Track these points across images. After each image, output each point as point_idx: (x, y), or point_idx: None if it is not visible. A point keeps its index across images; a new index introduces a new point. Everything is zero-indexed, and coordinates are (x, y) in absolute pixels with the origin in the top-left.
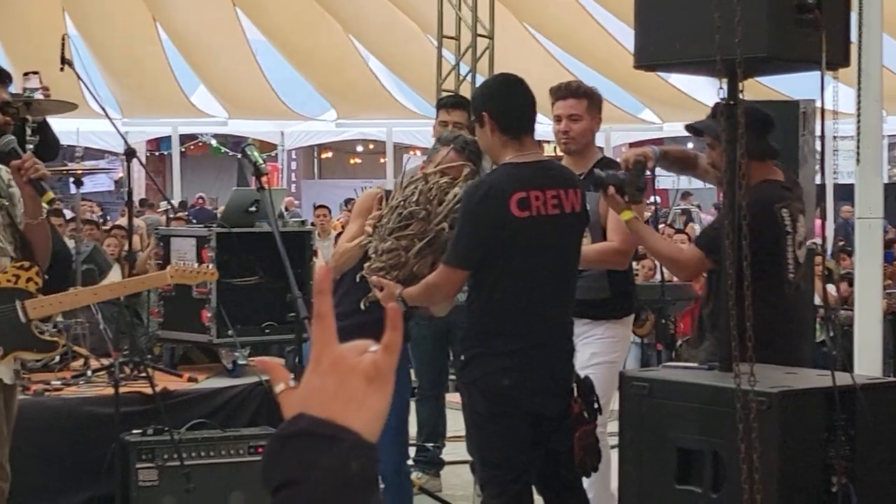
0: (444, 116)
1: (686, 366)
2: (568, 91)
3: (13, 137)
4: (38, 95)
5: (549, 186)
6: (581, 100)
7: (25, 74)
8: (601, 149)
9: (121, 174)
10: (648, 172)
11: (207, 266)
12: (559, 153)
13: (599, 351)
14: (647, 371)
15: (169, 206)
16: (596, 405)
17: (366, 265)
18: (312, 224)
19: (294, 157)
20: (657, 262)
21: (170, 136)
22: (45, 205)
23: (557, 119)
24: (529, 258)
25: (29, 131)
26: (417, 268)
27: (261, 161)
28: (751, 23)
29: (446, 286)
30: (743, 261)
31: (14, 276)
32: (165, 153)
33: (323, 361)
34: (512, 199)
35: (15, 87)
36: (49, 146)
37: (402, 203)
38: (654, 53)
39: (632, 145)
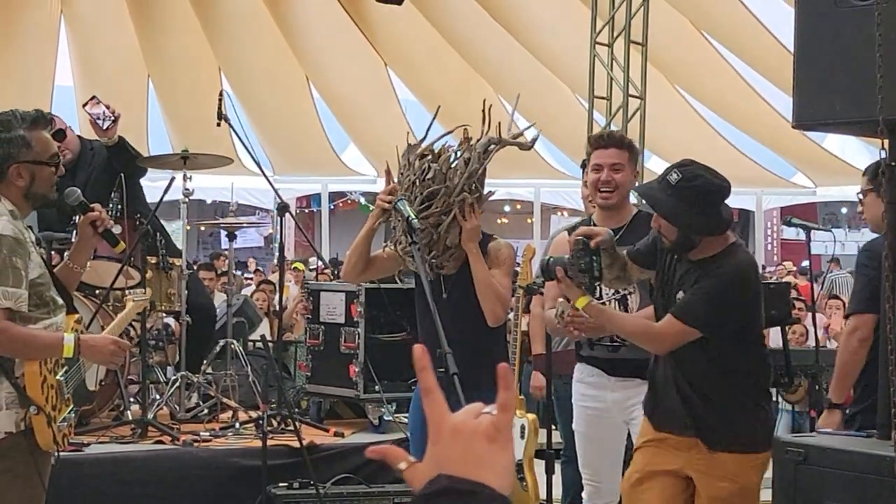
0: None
1: (841, 432)
2: (611, 140)
3: (79, 190)
4: (108, 118)
5: None
6: (623, 150)
7: (85, 104)
8: (749, 211)
9: (270, 230)
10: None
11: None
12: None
13: None
14: (803, 437)
15: (319, 263)
16: None
17: (399, 248)
18: None
19: None
20: (808, 328)
21: (319, 194)
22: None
23: (598, 169)
24: None
25: (185, 185)
26: (449, 240)
27: (412, 215)
28: None
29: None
30: None
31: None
32: (315, 210)
33: (443, 432)
34: None
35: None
36: (130, 162)
37: (416, 182)
38: (813, 113)
39: (783, 210)
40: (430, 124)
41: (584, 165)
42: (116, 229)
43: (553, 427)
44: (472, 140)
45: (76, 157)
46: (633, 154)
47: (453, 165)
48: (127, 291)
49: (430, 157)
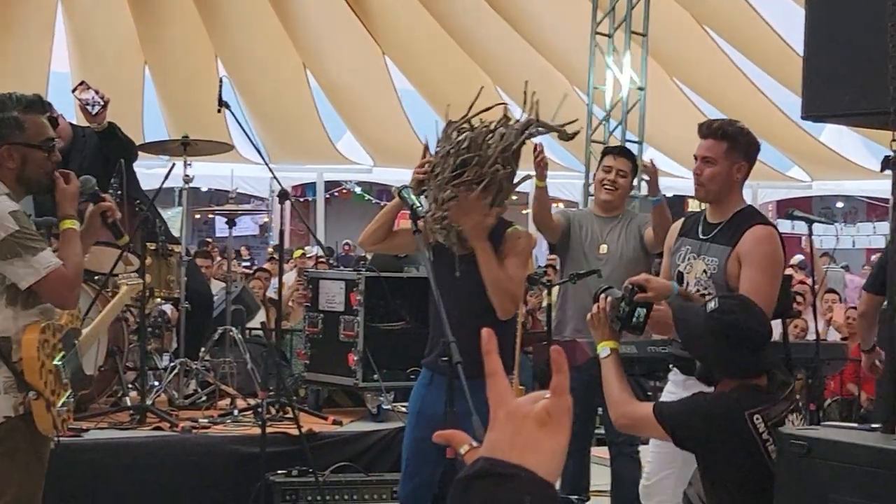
0: (610, 162)
1: (845, 425)
2: (707, 130)
3: (94, 179)
4: (97, 103)
5: None
6: (719, 141)
7: (74, 90)
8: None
9: (265, 219)
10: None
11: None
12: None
13: None
14: (807, 429)
15: (315, 251)
16: None
17: (427, 214)
18: None
19: None
20: (808, 322)
21: (314, 183)
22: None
23: (695, 159)
24: None
25: (185, 171)
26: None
27: (418, 203)
28: None
29: None
30: None
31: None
32: (310, 199)
33: (499, 416)
34: None
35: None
36: (124, 147)
37: (452, 151)
38: (822, 105)
39: (780, 203)
40: (474, 102)
41: (604, 154)
42: (117, 215)
43: None
44: (511, 120)
45: (69, 144)
46: (737, 145)
47: (489, 139)
48: (120, 276)
49: (467, 128)
